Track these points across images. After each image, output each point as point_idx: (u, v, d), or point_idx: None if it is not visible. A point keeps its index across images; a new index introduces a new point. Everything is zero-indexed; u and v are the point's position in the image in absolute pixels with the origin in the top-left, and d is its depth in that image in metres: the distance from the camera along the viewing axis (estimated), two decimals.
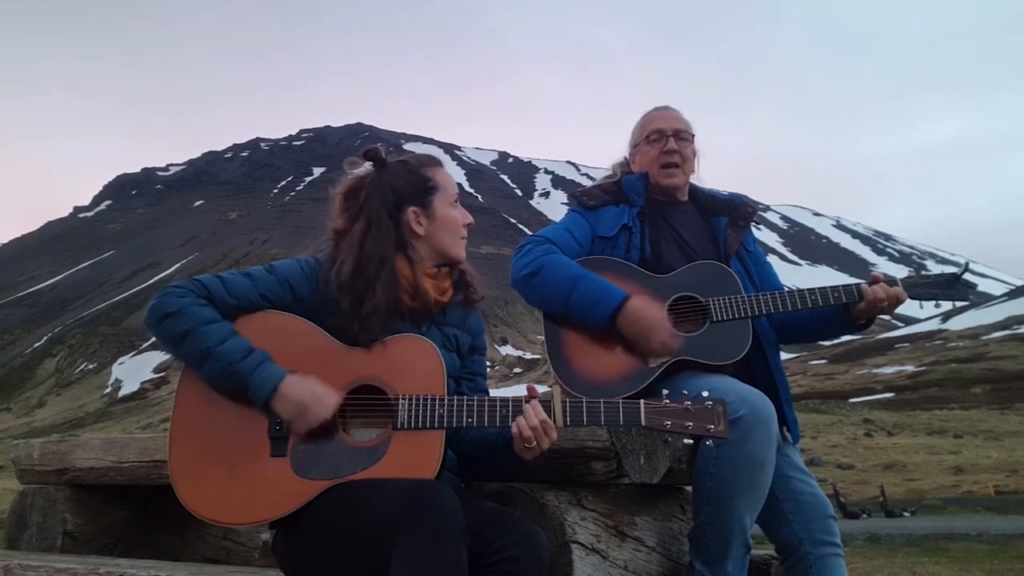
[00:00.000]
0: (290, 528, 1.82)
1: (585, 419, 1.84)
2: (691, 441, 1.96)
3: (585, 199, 2.66)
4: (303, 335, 1.90)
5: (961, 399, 57.19)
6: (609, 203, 2.62)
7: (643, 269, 2.47)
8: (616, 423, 1.85)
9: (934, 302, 2.48)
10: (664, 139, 2.61)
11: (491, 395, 2.01)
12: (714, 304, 2.39)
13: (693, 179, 2.71)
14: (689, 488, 2.27)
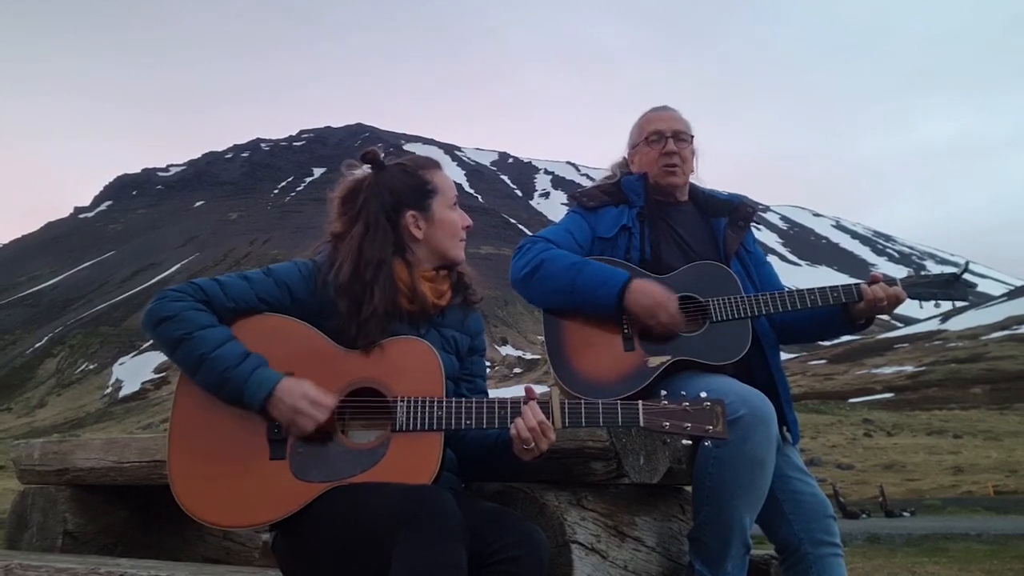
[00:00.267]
0: (290, 529, 1.82)
1: (583, 420, 1.84)
2: (690, 442, 1.96)
3: (585, 200, 2.65)
4: (301, 337, 1.90)
5: (960, 399, 57.18)
6: (609, 204, 2.62)
7: (643, 270, 2.47)
8: (614, 424, 1.86)
9: (933, 302, 2.48)
10: (663, 140, 2.61)
11: (490, 396, 2.01)
12: (714, 304, 2.39)
13: (693, 179, 2.71)
14: (689, 488, 2.27)
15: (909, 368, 76.52)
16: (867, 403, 58.41)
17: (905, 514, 19.26)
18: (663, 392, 1.88)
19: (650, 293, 2.30)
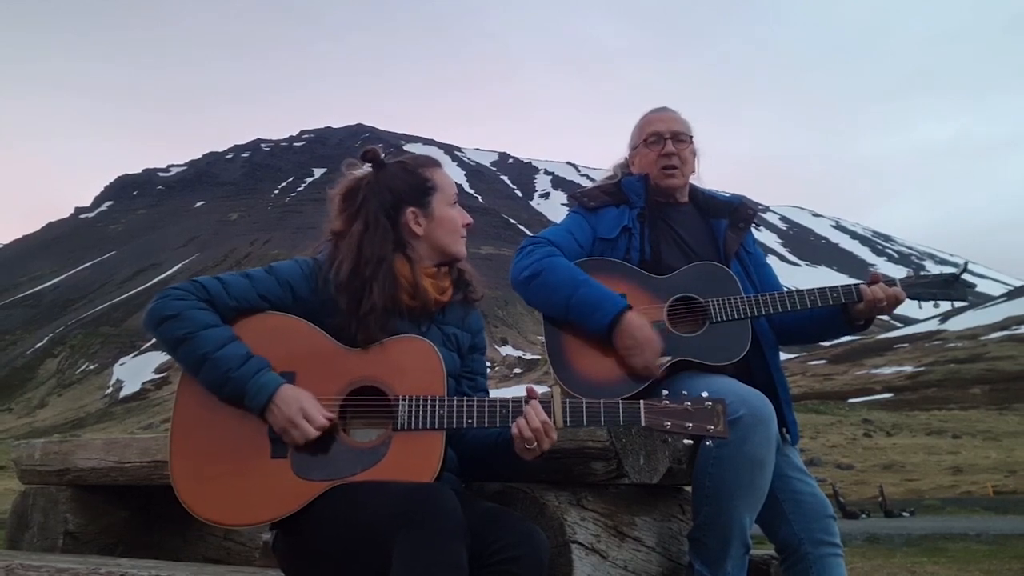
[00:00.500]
0: (291, 529, 1.82)
1: (585, 420, 1.85)
2: (691, 441, 1.97)
3: (586, 200, 2.66)
4: (303, 335, 1.91)
5: (960, 399, 57.19)
6: (609, 204, 2.63)
7: (643, 270, 2.47)
8: (616, 424, 1.86)
9: (933, 302, 2.49)
10: (662, 142, 2.61)
11: (491, 396, 2.01)
12: (713, 305, 2.39)
13: (693, 179, 2.71)
14: (689, 488, 2.27)
15: (908, 368, 76.52)
16: (866, 403, 58.41)
17: (904, 514, 19.27)
18: (664, 392, 1.89)
19: (637, 334, 2.29)
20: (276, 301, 1.94)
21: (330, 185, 2.12)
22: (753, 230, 2.73)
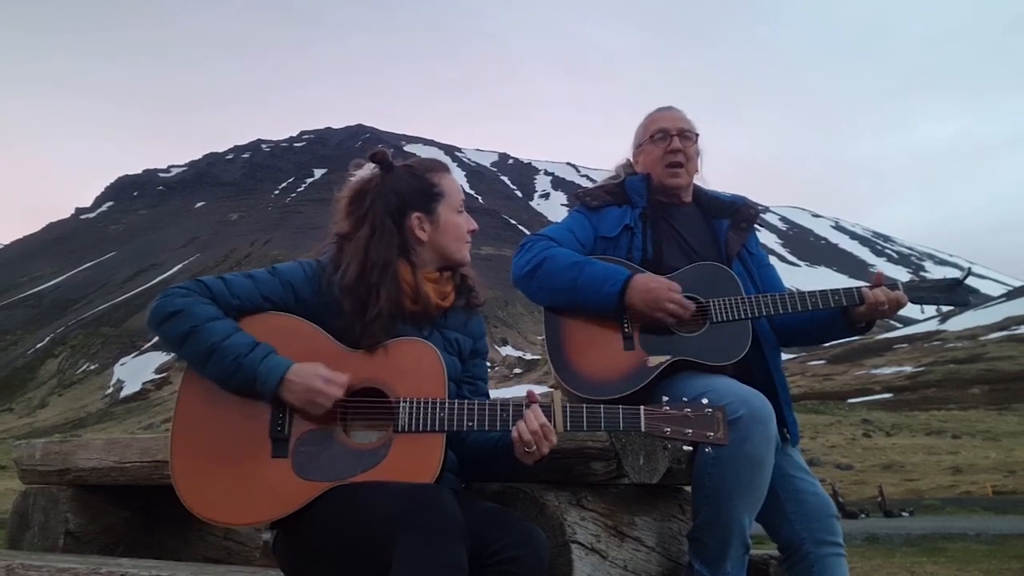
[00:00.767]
0: (291, 529, 1.83)
1: (585, 424, 1.85)
2: (691, 448, 1.97)
3: (588, 199, 2.66)
4: (305, 336, 1.91)
5: (959, 400, 57.19)
6: (612, 204, 2.63)
7: (644, 269, 2.48)
8: (616, 428, 1.86)
9: (934, 306, 2.49)
10: (668, 138, 2.61)
11: (491, 398, 2.01)
12: (714, 305, 2.39)
13: (697, 180, 2.72)
14: (688, 488, 2.28)
15: (908, 368, 76.52)
16: (866, 403, 58.42)
17: (904, 514, 19.29)
18: (665, 397, 1.89)
19: (650, 287, 2.31)
20: (279, 302, 1.94)
21: (332, 187, 2.12)
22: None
